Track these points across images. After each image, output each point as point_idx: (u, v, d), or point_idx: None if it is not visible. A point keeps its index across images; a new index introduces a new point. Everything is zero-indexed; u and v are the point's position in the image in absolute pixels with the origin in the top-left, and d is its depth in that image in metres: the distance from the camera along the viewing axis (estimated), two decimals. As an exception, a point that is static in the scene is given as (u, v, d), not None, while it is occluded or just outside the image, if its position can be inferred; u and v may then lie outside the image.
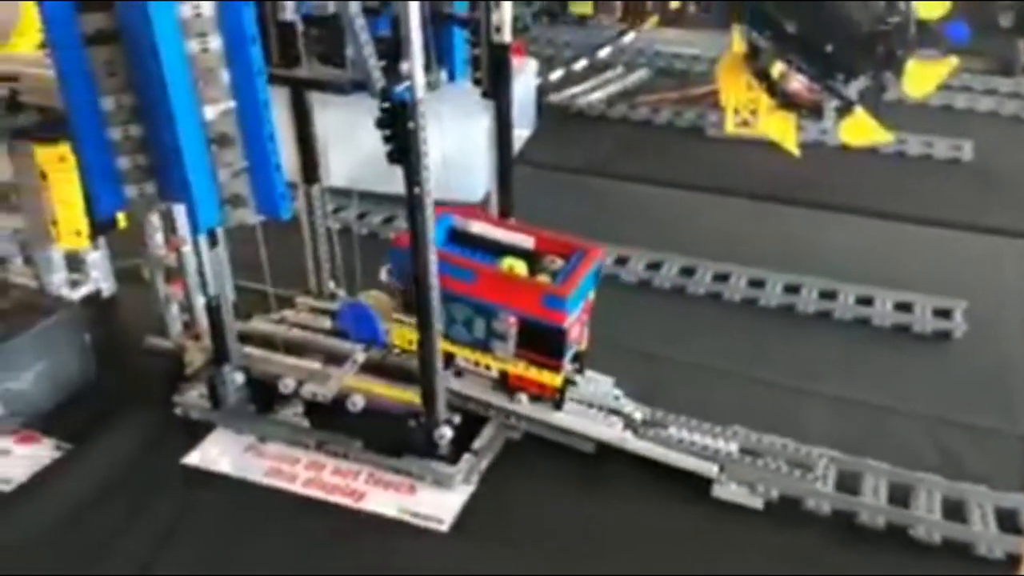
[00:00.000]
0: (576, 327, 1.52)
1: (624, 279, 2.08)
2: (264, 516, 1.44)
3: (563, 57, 3.32)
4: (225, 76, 1.21)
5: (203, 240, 1.46)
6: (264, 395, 1.61)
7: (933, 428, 1.60)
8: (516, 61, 2.76)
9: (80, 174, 1.34)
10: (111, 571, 1.34)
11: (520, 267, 1.54)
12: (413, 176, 1.31)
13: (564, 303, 1.45)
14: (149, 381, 1.71)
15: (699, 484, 1.46)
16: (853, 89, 2.26)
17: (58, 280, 1.83)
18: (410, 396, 1.49)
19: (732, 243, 2.20)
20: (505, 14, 1.47)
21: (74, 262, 1.90)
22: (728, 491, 1.45)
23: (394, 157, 1.31)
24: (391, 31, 1.25)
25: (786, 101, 2.42)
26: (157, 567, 1.34)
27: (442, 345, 1.43)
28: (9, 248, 1.88)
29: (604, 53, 2.93)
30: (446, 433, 1.47)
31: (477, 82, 1.55)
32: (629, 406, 1.55)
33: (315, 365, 1.62)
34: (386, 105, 1.27)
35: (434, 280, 1.38)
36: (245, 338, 1.68)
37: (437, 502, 1.45)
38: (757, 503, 1.44)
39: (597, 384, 1.58)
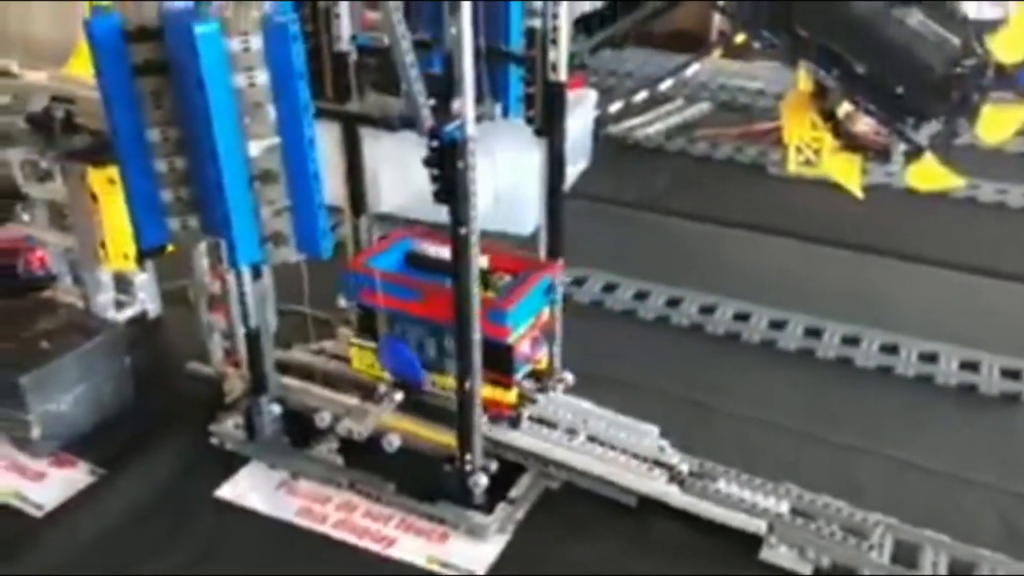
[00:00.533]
0: (526, 343, 1.49)
1: (675, 321, 2.02)
2: (291, 556, 1.41)
3: (624, 87, 3.27)
4: (271, 112, 1.18)
5: (246, 271, 1.45)
6: (300, 428, 1.59)
7: (998, 499, 1.51)
8: (575, 93, 2.74)
9: (127, 206, 1.32)
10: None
11: None
12: (460, 216, 1.28)
13: (505, 316, 1.42)
14: (187, 407, 1.69)
15: (746, 544, 1.39)
16: (924, 133, 2.16)
17: (104, 301, 1.83)
18: (447, 439, 1.44)
19: (789, 288, 2.12)
20: (561, 53, 1.42)
21: (122, 283, 1.90)
22: (777, 554, 1.37)
23: (441, 197, 1.28)
24: (444, 69, 1.21)
25: (851, 142, 2.33)
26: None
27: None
28: (60, 267, 1.89)
29: (665, 85, 2.87)
30: (481, 481, 1.42)
31: (530, 120, 1.50)
32: (675, 457, 1.49)
33: (352, 400, 1.59)
34: (435, 144, 1.24)
35: (476, 323, 1.34)
36: (284, 367, 1.66)
37: (469, 553, 1.40)
38: (807, 569, 1.36)
39: (641, 434, 1.52)
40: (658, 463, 1.48)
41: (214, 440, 1.62)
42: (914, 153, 2.22)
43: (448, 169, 1.24)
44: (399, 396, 1.54)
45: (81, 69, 1.84)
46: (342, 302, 1.59)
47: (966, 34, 2.09)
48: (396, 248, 1.59)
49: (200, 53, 1.11)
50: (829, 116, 2.34)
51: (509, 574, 1.37)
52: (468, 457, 1.42)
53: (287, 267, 1.53)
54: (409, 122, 1.22)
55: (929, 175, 2.26)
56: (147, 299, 1.95)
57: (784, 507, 1.42)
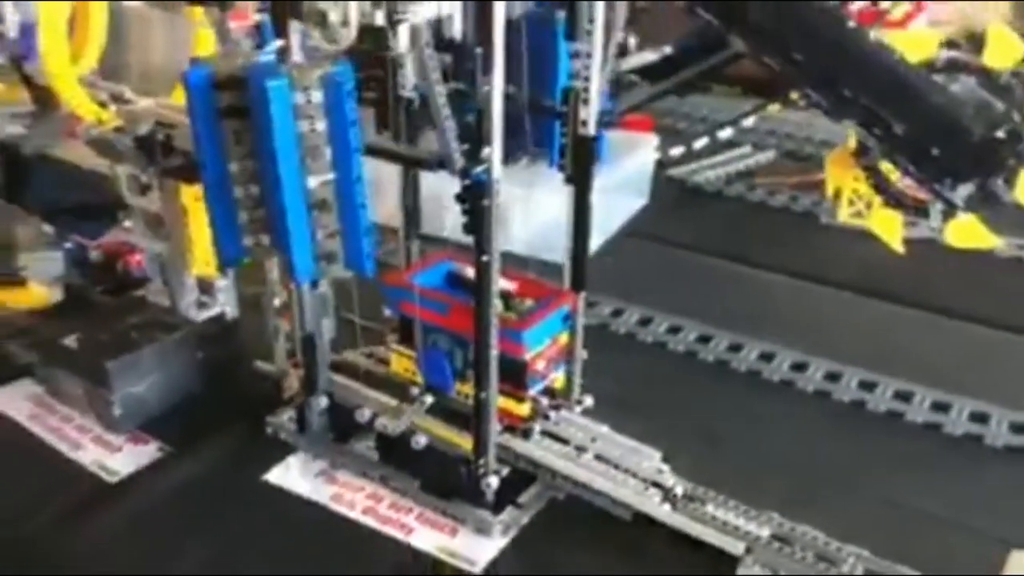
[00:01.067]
0: (541, 362, 1.65)
1: (702, 356, 2.15)
2: (321, 534, 1.60)
3: (689, 131, 3.41)
4: (327, 152, 1.37)
5: (305, 284, 1.65)
6: (343, 423, 1.78)
7: (983, 544, 1.59)
8: (639, 135, 2.90)
9: (209, 224, 1.52)
10: (181, 565, 1.53)
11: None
12: (483, 246, 1.46)
13: (522, 336, 1.58)
14: (249, 399, 1.90)
15: (728, 564, 1.52)
16: (959, 194, 2.25)
17: (188, 302, 2.07)
18: (466, 443, 1.61)
19: (814, 331, 2.23)
20: (591, 111, 1.59)
21: (205, 287, 2.14)
22: (751, 572, 1.50)
23: (468, 228, 1.46)
24: (476, 119, 1.39)
25: (893, 198, 2.42)
26: (219, 568, 1.52)
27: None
28: (153, 270, 2.15)
29: (726, 133, 3.00)
30: (492, 482, 1.59)
31: (562, 168, 1.67)
32: (671, 480, 1.62)
33: (390, 400, 1.76)
34: (467, 183, 1.42)
35: (493, 340, 1.51)
36: (336, 367, 1.84)
37: (475, 547, 1.57)
38: (778, 590, 1.48)
39: (644, 456, 1.66)
40: (655, 484, 1.62)
41: (269, 430, 1.83)
42: (950, 212, 2.30)
43: (475, 206, 1.43)
44: (429, 399, 1.71)
45: (183, 98, 2.11)
46: (387, 312, 1.78)
47: (1011, 99, 2.18)
48: (439, 267, 1.77)
49: (271, 103, 1.31)
50: (873, 172, 2.44)
51: (505, 570, 1.53)
52: (482, 460, 1.59)
53: (350, 283, 1.74)
54: (443, 163, 1.40)
55: (967, 233, 2.34)
56: (226, 302, 2.17)
57: (765, 532, 1.54)
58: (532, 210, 2.43)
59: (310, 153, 1.37)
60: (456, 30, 1.32)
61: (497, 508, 1.62)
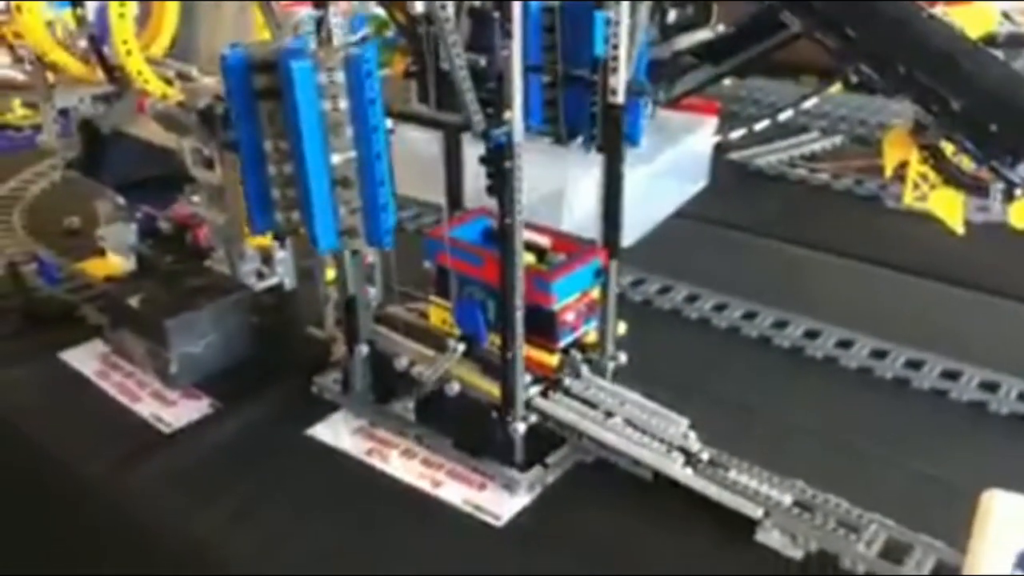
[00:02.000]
0: (571, 314, 1.68)
1: (745, 332, 2.15)
2: (355, 484, 1.68)
3: (754, 115, 3.39)
4: (349, 131, 1.43)
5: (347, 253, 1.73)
6: (383, 373, 1.84)
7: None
8: (697, 117, 2.90)
9: (244, 197, 1.59)
10: (227, 506, 1.62)
11: (528, 258, 1.67)
12: (507, 208, 1.50)
13: (550, 286, 1.62)
14: (299, 362, 1.99)
15: (747, 529, 1.53)
16: (1020, 171, 2.19)
17: (247, 271, 2.18)
18: (496, 391, 1.65)
19: (860, 310, 2.20)
20: (620, 79, 1.62)
21: (266, 258, 2.24)
22: (770, 537, 1.51)
23: (492, 190, 1.51)
24: (496, 83, 1.44)
25: (953, 178, 2.37)
26: (260, 509, 1.61)
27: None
28: (216, 240, 2.26)
29: (785, 116, 2.97)
30: (519, 428, 1.62)
31: (592, 137, 1.70)
32: (696, 445, 1.64)
33: (427, 350, 1.80)
34: (489, 146, 1.47)
35: (519, 300, 1.55)
36: (379, 320, 1.89)
37: (500, 502, 1.62)
38: (796, 554, 1.49)
39: (671, 422, 1.68)
40: (681, 448, 1.64)
41: (315, 389, 1.92)
42: (1009, 191, 2.24)
43: (498, 168, 1.48)
44: (462, 348, 1.74)
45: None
46: (426, 264, 1.83)
47: (1076, 76, 2.11)
48: (477, 222, 1.82)
49: (295, 83, 1.38)
50: (932, 152, 2.39)
51: (527, 523, 1.58)
52: (510, 409, 1.63)
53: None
54: (466, 126, 1.46)
55: (1029, 214, 2.27)
56: (284, 273, 2.28)
57: (787, 498, 1.54)
58: (587, 191, 2.46)
59: (333, 130, 1.43)
60: (476, -4, 1.37)
61: (525, 466, 1.67)
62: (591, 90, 1.69)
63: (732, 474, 1.60)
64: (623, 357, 1.83)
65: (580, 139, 1.77)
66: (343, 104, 1.41)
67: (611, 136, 1.68)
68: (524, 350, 1.61)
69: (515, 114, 1.44)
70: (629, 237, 2.53)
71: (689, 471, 1.60)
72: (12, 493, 1.76)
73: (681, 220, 2.74)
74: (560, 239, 1.79)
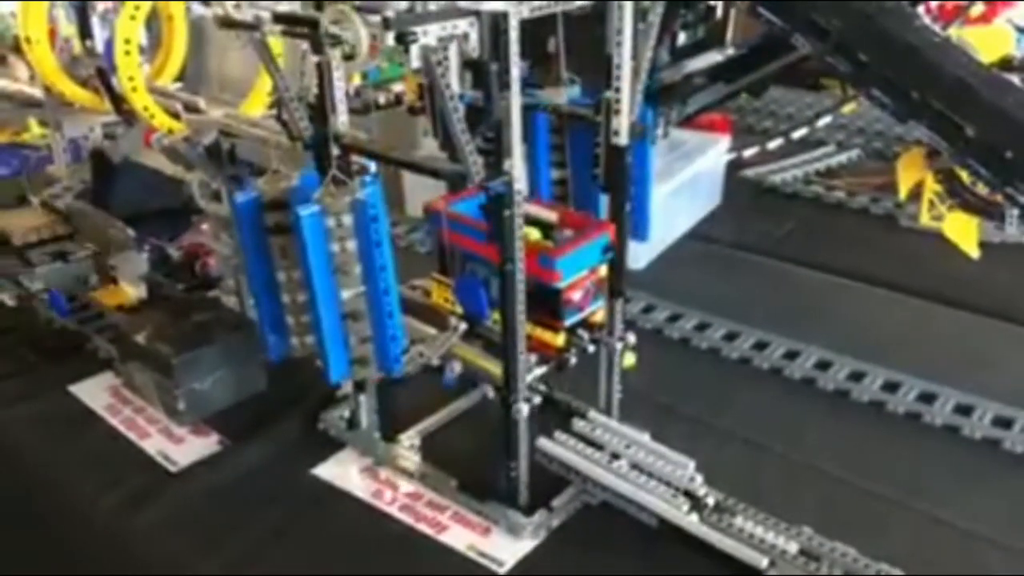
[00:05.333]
0: (577, 292, 1.63)
1: (756, 364, 2.13)
2: (357, 528, 1.68)
3: (771, 129, 3.35)
4: (358, 269, 1.48)
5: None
6: (388, 423, 1.85)
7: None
8: (710, 136, 2.87)
9: (258, 324, 1.66)
10: (230, 551, 1.62)
11: (534, 234, 1.64)
12: (506, 255, 1.49)
13: (555, 262, 1.57)
14: (306, 398, 1.99)
15: (755, 577, 1.52)
16: (1036, 198, 2.15)
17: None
18: (498, 369, 1.61)
19: (872, 338, 2.18)
20: (623, 120, 1.60)
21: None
22: (775, 588, 1.49)
23: (491, 237, 1.51)
24: (495, 132, 1.43)
25: (968, 202, 2.33)
26: (264, 556, 1.61)
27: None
28: (224, 271, 2.27)
29: (799, 134, 2.93)
30: (523, 409, 1.58)
31: (595, 177, 1.69)
32: (702, 489, 1.62)
33: (428, 329, 1.77)
34: (491, 195, 1.46)
35: (522, 343, 1.55)
36: None
37: (505, 547, 1.61)
38: (802, 606, 1.47)
39: (676, 464, 1.66)
40: (686, 493, 1.62)
41: (321, 426, 1.92)
42: (1024, 217, 2.20)
43: (497, 216, 1.47)
44: (464, 327, 1.71)
45: (254, 109, 2.22)
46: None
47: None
48: (480, 196, 1.68)
49: (304, 229, 1.43)
50: (946, 175, 2.35)
51: (530, 569, 1.57)
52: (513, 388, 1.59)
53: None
54: (462, 176, 1.44)
55: (1046, 240, 2.23)
56: (293, 302, 2.28)
57: (793, 547, 1.53)
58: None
59: (341, 269, 1.48)
60: (472, 47, 1.36)
61: (530, 510, 1.66)
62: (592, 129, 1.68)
63: (738, 520, 1.58)
64: (632, 338, 1.79)
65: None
66: (351, 245, 1.46)
67: (615, 177, 1.67)
68: (527, 329, 1.57)
69: (514, 163, 1.43)
70: (641, 260, 2.53)
71: (694, 517, 1.58)
72: (15, 533, 1.77)
73: (693, 242, 2.71)
74: (568, 214, 1.73)
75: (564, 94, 1.71)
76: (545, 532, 1.64)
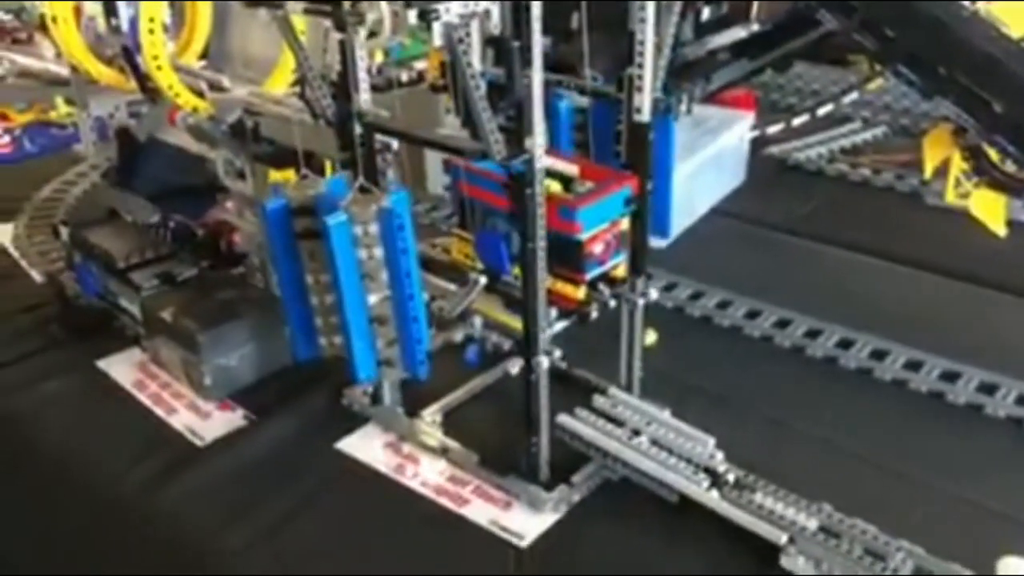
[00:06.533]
0: (598, 245, 1.61)
1: (779, 342, 2.12)
2: (379, 501, 1.70)
3: (785, 103, 3.33)
4: (385, 275, 1.51)
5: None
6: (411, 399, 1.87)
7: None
8: (734, 112, 2.85)
9: (287, 327, 1.68)
10: (255, 524, 1.65)
11: (555, 186, 1.61)
12: (528, 234, 1.50)
13: (575, 214, 1.55)
14: (330, 373, 1.98)
15: (773, 553, 1.52)
16: (1064, 175, 2.12)
17: (280, 279, 2.20)
18: (518, 324, 1.60)
19: (897, 316, 2.16)
20: (645, 98, 1.60)
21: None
22: (794, 563, 1.49)
23: (513, 216, 1.51)
24: (516, 108, 1.43)
25: (995, 180, 2.31)
26: (288, 528, 1.64)
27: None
28: (249, 248, 2.29)
29: (824, 110, 2.91)
30: (543, 362, 1.58)
31: (617, 155, 1.69)
32: (723, 466, 1.63)
33: (448, 285, 1.78)
34: (512, 173, 1.47)
35: (542, 304, 1.55)
36: None
37: (525, 522, 1.62)
38: (821, 582, 1.48)
39: (697, 441, 1.67)
40: (707, 469, 1.63)
41: (345, 401, 1.94)
42: (1054, 195, 2.18)
43: (519, 195, 1.47)
44: (483, 281, 1.70)
45: (277, 86, 2.22)
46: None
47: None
48: None
49: (332, 236, 1.46)
50: (973, 153, 2.33)
51: (551, 545, 1.59)
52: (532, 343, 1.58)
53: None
54: (484, 154, 1.45)
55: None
56: (317, 280, 2.30)
57: (812, 523, 1.53)
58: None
59: (368, 275, 1.51)
60: (495, 25, 1.36)
61: (551, 485, 1.68)
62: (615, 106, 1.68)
63: (758, 497, 1.59)
64: (654, 293, 1.78)
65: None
66: (378, 252, 1.49)
67: (637, 155, 1.66)
68: (548, 283, 1.57)
69: (536, 140, 1.44)
70: (671, 233, 2.53)
71: (714, 494, 1.59)
72: (44, 509, 1.81)
73: (717, 218, 2.70)
74: (589, 167, 1.70)
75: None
76: (565, 507, 1.65)
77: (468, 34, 1.33)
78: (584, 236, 1.60)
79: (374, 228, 1.48)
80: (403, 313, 1.54)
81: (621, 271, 1.72)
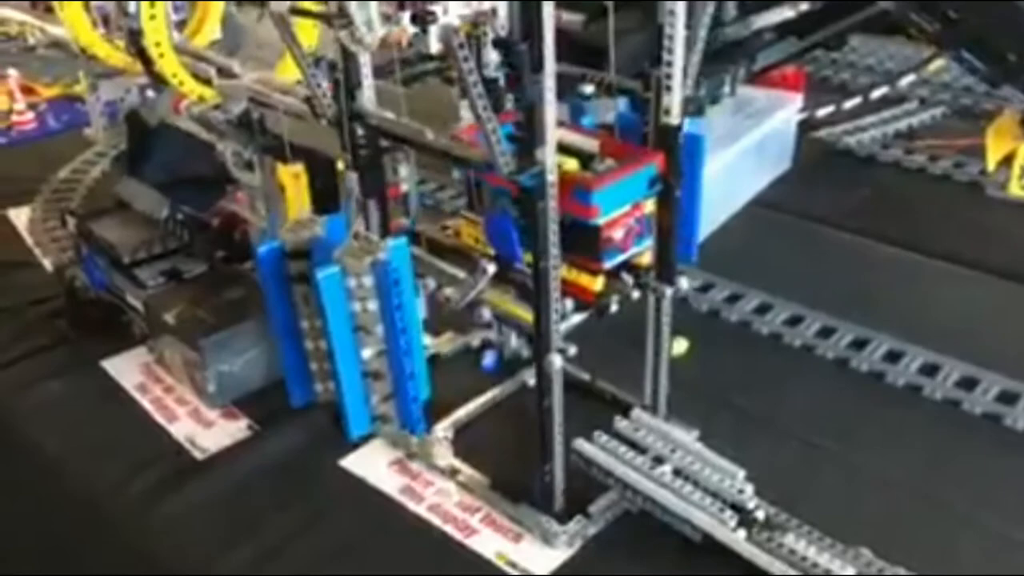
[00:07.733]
0: (619, 230, 1.44)
1: (820, 353, 1.97)
2: (381, 526, 1.60)
3: (838, 80, 3.12)
4: (380, 329, 1.41)
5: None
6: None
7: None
8: (781, 94, 2.67)
9: (283, 371, 1.61)
10: (254, 546, 1.56)
11: (571, 164, 1.44)
12: (538, 251, 1.36)
13: (590, 196, 1.37)
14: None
15: (804, 603, 1.39)
16: None
17: (289, 275, 2.10)
18: (529, 316, 1.46)
19: (951, 327, 2.00)
20: (675, 98, 1.45)
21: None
22: (826, 617, 1.37)
23: (524, 233, 1.38)
24: (526, 117, 1.29)
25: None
26: (287, 551, 1.55)
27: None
28: (258, 239, 2.18)
29: (879, 93, 2.71)
30: (555, 360, 1.44)
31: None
32: (752, 502, 1.50)
33: (456, 271, 1.62)
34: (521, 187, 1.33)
35: (555, 273, 1.39)
36: (414, 238, 1.69)
37: (535, 557, 1.51)
38: (853, 640, 1.35)
39: (725, 473, 1.54)
40: (734, 506, 1.50)
41: (352, 413, 1.84)
42: None
43: (529, 210, 1.33)
44: (492, 268, 1.54)
45: (286, 73, 2.10)
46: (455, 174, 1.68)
47: None
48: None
49: (323, 290, 1.37)
50: (1041, 144, 2.14)
51: (562, 585, 1.47)
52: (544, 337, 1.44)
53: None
54: (489, 166, 1.31)
55: None
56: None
57: (849, 571, 1.40)
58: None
59: (363, 328, 1.41)
60: (501, 26, 1.22)
61: (565, 517, 1.56)
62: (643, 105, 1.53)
63: (789, 539, 1.45)
64: (684, 283, 1.62)
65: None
66: (372, 306, 1.39)
67: (667, 155, 1.51)
68: (563, 271, 1.41)
69: (547, 151, 1.30)
70: (702, 230, 2.37)
71: (742, 534, 1.46)
72: (38, 519, 1.74)
73: (759, 209, 2.53)
74: (610, 143, 1.51)
75: (612, 107, 1.57)
76: (580, 541, 1.54)
77: (476, 37, 1.19)
78: (601, 221, 1.41)
79: (368, 280, 1.38)
80: (399, 369, 1.44)
81: (646, 258, 1.55)
